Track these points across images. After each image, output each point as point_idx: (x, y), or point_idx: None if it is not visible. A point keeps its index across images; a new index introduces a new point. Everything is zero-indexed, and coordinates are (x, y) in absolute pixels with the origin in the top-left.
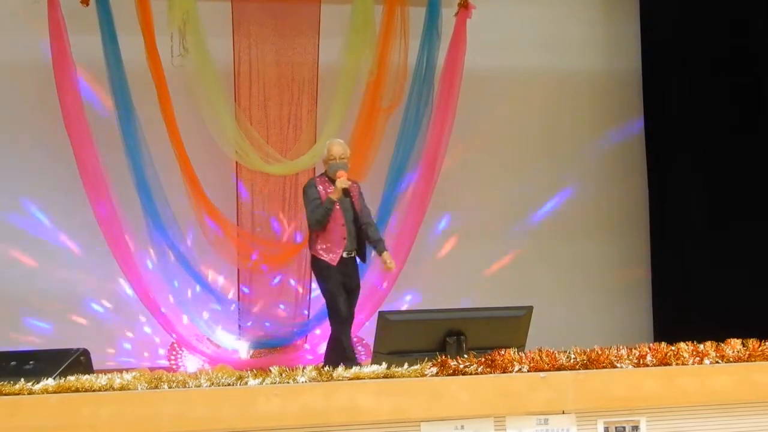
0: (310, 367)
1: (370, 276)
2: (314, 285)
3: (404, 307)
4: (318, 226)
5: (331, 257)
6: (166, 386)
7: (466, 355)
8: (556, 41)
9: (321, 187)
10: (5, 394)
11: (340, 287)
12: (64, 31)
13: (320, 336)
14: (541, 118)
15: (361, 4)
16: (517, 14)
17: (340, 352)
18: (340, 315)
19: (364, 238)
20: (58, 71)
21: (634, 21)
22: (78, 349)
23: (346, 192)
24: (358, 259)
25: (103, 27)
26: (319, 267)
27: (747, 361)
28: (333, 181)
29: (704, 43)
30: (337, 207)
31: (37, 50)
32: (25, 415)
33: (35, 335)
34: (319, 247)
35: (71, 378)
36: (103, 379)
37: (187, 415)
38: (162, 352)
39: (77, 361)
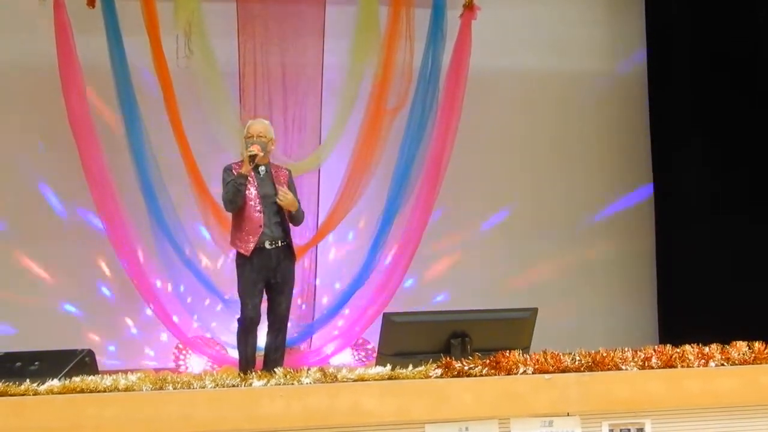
0: (315, 368)
1: (375, 276)
2: (319, 285)
3: (409, 309)
4: (230, 206)
5: (245, 247)
6: (170, 387)
7: (470, 357)
8: (561, 42)
9: (237, 172)
10: (11, 395)
11: (253, 287)
12: (70, 33)
13: (325, 338)
14: (545, 118)
15: (366, 6)
16: (521, 15)
17: (240, 357)
18: (243, 318)
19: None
20: (64, 72)
21: (639, 22)
22: (83, 350)
23: (258, 170)
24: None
25: (109, 29)
26: (236, 259)
27: (752, 364)
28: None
29: (710, 43)
30: (253, 192)
31: (43, 52)
32: (30, 415)
33: (41, 335)
34: (234, 236)
35: (76, 379)
36: (108, 380)
37: (191, 416)
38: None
39: (82, 362)
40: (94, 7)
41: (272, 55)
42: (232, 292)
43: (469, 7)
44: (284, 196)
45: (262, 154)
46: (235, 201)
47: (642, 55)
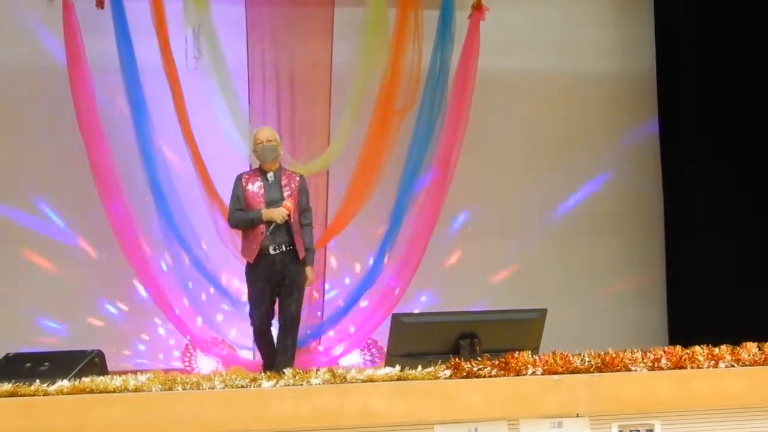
0: (324, 369)
1: (384, 278)
2: (328, 286)
3: (418, 310)
4: (232, 227)
5: (250, 255)
6: (180, 388)
7: (479, 358)
8: (569, 43)
9: (246, 181)
10: (21, 395)
11: (260, 295)
12: (78, 33)
13: (334, 338)
14: (554, 119)
15: (375, 8)
16: (530, 16)
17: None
18: (253, 326)
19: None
20: (72, 73)
21: (648, 22)
22: (93, 351)
23: (267, 176)
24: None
25: (118, 29)
26: (245, 267)
27: (763, 365)
28: (262, 172)
29: (718, 43)
30: (259, 198)
31: (52, 52)
32: (39, 416)
33: (50, 337)
34: (242, 245)
35: (86, 379)
36: (117, 381)
37: (200, 416)
38: (177, 354)
39: (92, 363)
40: (103, 7)
41: (281, 56)
42: (241, 293)
43: (478, 8)
44: (310, 281)
45: (285, 220)
46: (238, 228)
47: (650, 56)
